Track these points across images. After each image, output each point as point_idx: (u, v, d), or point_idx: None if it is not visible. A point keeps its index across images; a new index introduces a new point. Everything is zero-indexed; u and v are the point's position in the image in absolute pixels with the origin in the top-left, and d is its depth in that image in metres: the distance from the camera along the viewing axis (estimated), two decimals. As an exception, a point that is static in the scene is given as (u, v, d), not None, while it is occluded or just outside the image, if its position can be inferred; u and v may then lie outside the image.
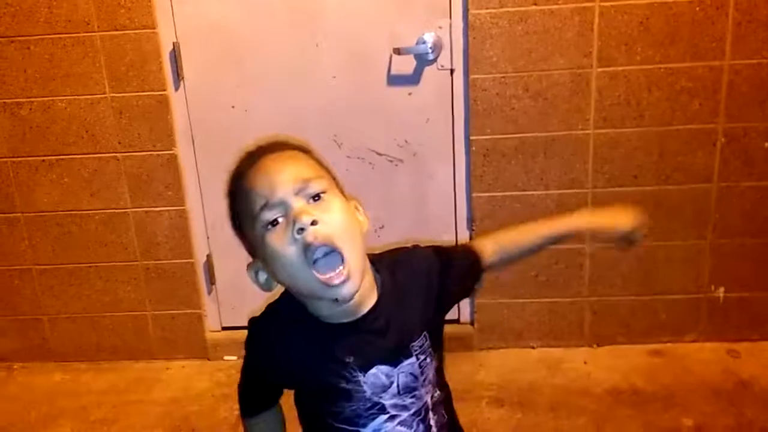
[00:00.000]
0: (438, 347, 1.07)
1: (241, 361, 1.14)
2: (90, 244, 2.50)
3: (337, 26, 2.28)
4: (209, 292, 2.59)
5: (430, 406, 1.05)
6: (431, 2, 2.25)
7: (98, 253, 2.50)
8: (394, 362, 0.99)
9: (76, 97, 2.33)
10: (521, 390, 2.28)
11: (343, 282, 0.90)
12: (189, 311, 2.56)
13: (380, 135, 2.35)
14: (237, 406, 1.20)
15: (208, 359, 2.59)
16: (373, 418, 0.99)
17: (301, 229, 0.89)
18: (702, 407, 2.13)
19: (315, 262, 0.90)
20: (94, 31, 2.26)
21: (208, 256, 2.56)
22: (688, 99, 2.23)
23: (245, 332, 1.10)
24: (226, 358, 2.58)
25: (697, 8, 2.15)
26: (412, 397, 1.01)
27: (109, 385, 2.48)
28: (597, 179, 2.33)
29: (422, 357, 1.02)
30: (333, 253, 0.90)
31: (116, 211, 2.45)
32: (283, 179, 0.93)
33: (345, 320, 0.98)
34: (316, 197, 0.93)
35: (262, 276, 0.99)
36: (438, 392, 1.07)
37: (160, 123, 2.35)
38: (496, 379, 2.34)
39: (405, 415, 1.01)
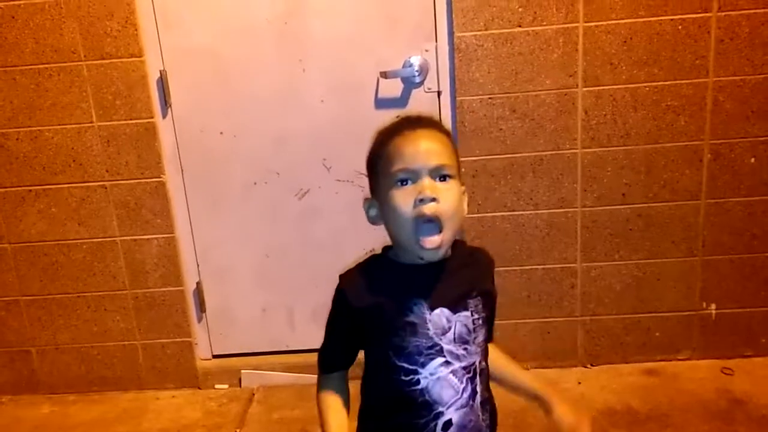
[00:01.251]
0: (486, 324, 1.19)
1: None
2: (78, 274, 2.47)
3: (324, 51, 2.30)
4: (199, 320, 2.57)
5: (479, 371, 1.16)
6: (417, 26, 2.27)
7: (86, 283, 2.48)
8: (454, 309, 1.14)
9: (63, 126, 2.33)
10: (515, 411, 2.25)
11: (434, 249, 1.09)
12: (179, 340, 2.53)
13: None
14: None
15: (199, 388, 2.56)
16: (431, 359, 1.12)
17: (422, 200, 1.07)
18: (697, 427, 2.11)
19: (420, 225, 1.09)
20: (81, 60, 2.27)
21: (198, 284, 2.54)
22: (673, 117, 2.25)
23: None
24: (217, 386, 2.55)
25: (680, 27, 2.17)
26: (464, 349, 1.14)
27: (98, 417, 2.44)
28: (586, 198, 2.33)
29: (476, 316, 1.16)
30: (436, 223, 1.09)
31: (104, 239, 2.43)
32: (427, 155, 1.10)
33: (420, 262, 1.13)
34: (443, 178, 1.11)
35: (373, 211, 1.17)
36: (484, 364, 1.19)
37: (148, 150, 2.34)
38: (491, 401, 2.31)
39: (457, 365, 1.13)
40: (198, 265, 2.52)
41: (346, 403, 1.23)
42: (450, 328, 1.13)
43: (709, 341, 2.45)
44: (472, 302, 1.16)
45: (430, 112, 1.17)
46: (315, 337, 2.75)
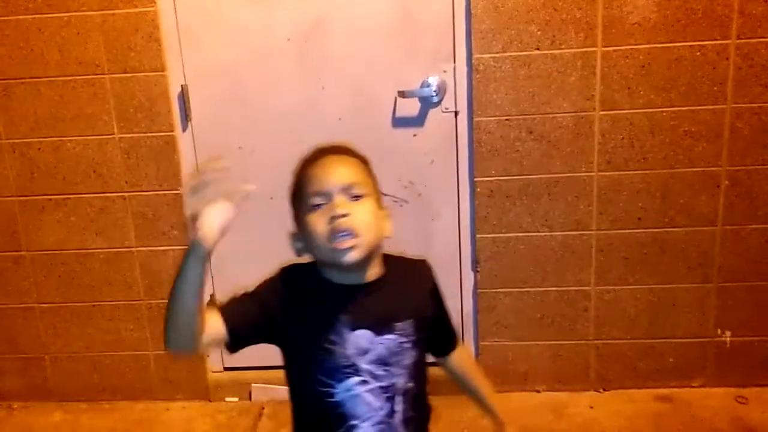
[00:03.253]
0: (419, 346, 1.22)
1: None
2: (94, 283, 2.50)
3: (343, 69, 2.32)
4: (212, 332, 2.58)
5: (400, 391, 1.19)
6: (436, 46, 2.29)
7: (102, 292, 2.50)
8: (377, 332, 1.17)
9: (84, 137, 2.36)
10: None
11: (347, 249, 1.11)
12: (191, 351, 2.54)
13: (385, 176, 2.33)
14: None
15: (210, 400, 2.57)
16: (348, 377, 1.16)
17: (334, 217, 1.12)
18: (711, 455, 2.09)
19: (336, 238, 1.12)
20: (104, 74, 2.31)
21: (212, 296, 2.55)
22: (691, 142, 2.25)
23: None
24: (227, 399, 2.56)
25: (698, 53, 2.18)
26: (384, 371, 1.17)
27: (109, 426, 2.45)
28: (601, 221, 2.33)
29: (403, 339, 1.19)
30: (350, 234, 1.12)
31: (121, 250, 2.46)
32: (335, 177, 1.16)
33: (348, 283, 1.18)
34: (356, 197, 1.15)
35: (298, 244, 1.21)
36: (411, 384, 1.21)
37: (167, 163, 2.37)
38: (501, 423, 2.30)
39: (375, 384, 1.17)
40: (212, 278, 2.54)
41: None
42: (370, 350, 1.17)
43: (724, 369, 2.42)
44: (399, 326, 1.19)
45: (345, 143, 1.24)
46: (326, 353, 2.72)
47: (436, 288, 1.31)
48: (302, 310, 1.19)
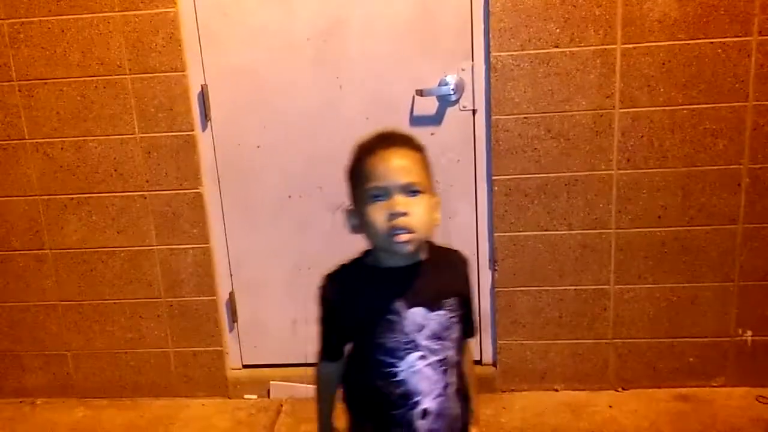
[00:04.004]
0: (461, 322, 1.31)
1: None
2: (115, 281, 2.53)
3: (361, 69, 2.33)
4: (231, 330, 2.60)
5: (452, 364, 1.28)
6: (453, 45, 2.29)
7: (123, 290, 2.53)
8: (430, 308, 1.25)
9: (106, 137, 2.39)
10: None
11: (405, 242, 1.19)
12: (210, 349, 2.56)
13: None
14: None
15: (229, 397, 2.59)
16: (409, 353, 1.23)
17: (394, 215, 1.18)
18: (732, 455, 2.07)
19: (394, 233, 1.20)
20: (126, 74, 2.33)
21: (231, 294, 2.57)
22: (711, 140, 2.23)
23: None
24: (246, 396, 2.58)
25: (719, 50, 2.16)
26: (439, 345, 1.25)
27: (129, 423, 2.48)
28: (620, 220, 2.32)
29: (451, 315, 1.27)
30: (408, 231, 1.19)
31: (142, 248, 2.49)
32: (397, 174, 1.20)
33: (399, 265, 1.26)
34: (413, 193, 1.20)
35: (354, 221, 1.27)
36: (458, 357, 1.30)
37: (187, 162, 2.40)
38: (519, 422, 2.30)
39: (433, 359, 1.25)
40: (231, 276, 2.56)
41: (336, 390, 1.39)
42: (425, 326, 1.25)
43: (744, 368, 2.40)
44: (447, 302, 1.27)
45: (405, 132, 1.29)
46: (345, 351, 2.70)
47: (468, 276, 1.39)
48: (360, 298, 1.26)
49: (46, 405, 2.64)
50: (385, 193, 1.20)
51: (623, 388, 2.46)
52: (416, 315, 1.24)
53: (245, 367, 2.63)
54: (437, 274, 1.29)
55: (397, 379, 1.24)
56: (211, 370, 2.58)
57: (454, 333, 1.29)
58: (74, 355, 2.62)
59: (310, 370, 2.55)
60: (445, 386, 1.27)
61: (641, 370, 2.44)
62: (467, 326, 1.38)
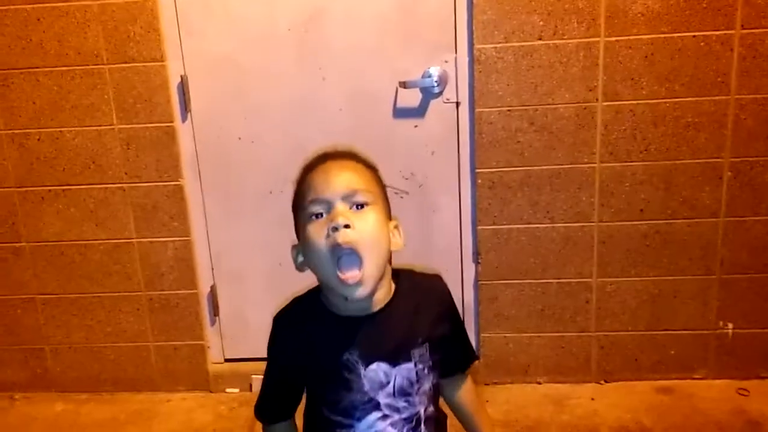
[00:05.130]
0: (436, 369, 1.15)
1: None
2: (94, 274, 2.49)
3: (344, 60, 2.30)
4: (212, 324, 2.58)
5: (423, 419, 1.12)
6: (437, 37, 2.27)
7: (102, 283, 2.50)
8: (394, 363, 1.09)
9: (84, 128, 2.35)
10: (527, 427, 2.25)
11: (357, 284, 1.02)
12: (192, 342, 2.54)
13: (386, 167, 2.32)
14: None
15: (210, 391, 2.57)
16: (367, 414, 1.08)
17: (335, 228, 1.01)
18: (712, 447, 2.09)
19: (339, 259, 1.02)
20: (104, 64, 2.29)
21: (212, 287, 2.55)
22: (694, 133, 2.23)
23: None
24: (228, 390, 2.56)
25: (702, 43, 2.16)
26: (405, 402, 1.10)
27: (109, 417, 2.45)
28: (603, 213, 2.32)
29: (420, 366, 1.11)
30: (355, 254, 1.02)
31: (121, 241, 2.45)
32: (336, 183, 1.05)
33: (357, 314, 1.09)
34: (360, 206, 1.05)
35: (300, 258, 1.12)
36: (432, 408, 1.15)
37: (167, 154, 2.36)
38: (502, 415, 2.30)
39: (397, 417, 1.10)
40: (213, 269, 2.53)
41: None
42: (389, 383, 1.09)
43: (726, 361, 2.42)
44: (416, 352, 1.10)
45: (349, 147, 1.18)
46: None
47: (452, 307, 1.22)
48: (311, 352, 1.11)
49: (25, 399, 2.60)
50: (325, 208, 1.05)
51: (605, 381, 2.47)
52: (377, 372, 1.08)
53: (227, 361, 2.61)
54: (404, 319, 1.11)
55: None
56: (192, 364, 2.56)
57: (426, 384, 1.13)
58: (53, 349, 2.59)
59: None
60: None
61: (623, 363, 2.45)
62: (458, 360, 1.25)
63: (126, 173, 2.39)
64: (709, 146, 2.24)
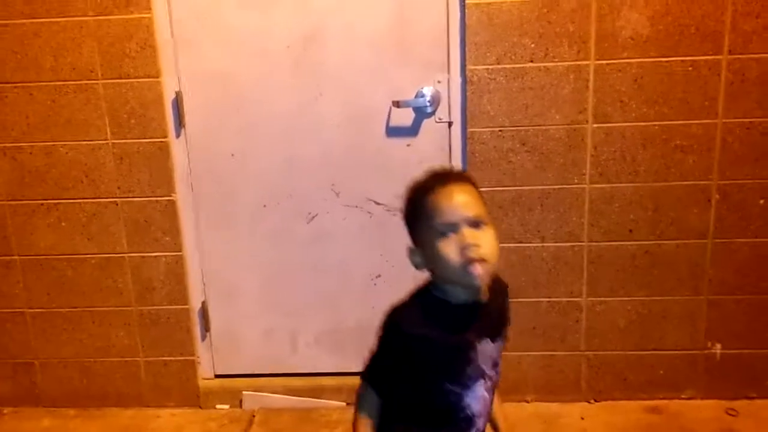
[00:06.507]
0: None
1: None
2: (85, 289, 2.49)
3: (338, 78, 2.33)
4: (203, 339, 2.57)
5: (497, 383, 1.38)
6: (430, 57, 2.29)
7: (93, 298, 2.49)
8: (494, 339, 1.33)
9: (77, 142, 2.36)
10: None
11: (480, 274, 1.21)
12: (182, 358, 2.53)
13: (378, 185, 2.37)
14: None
15: (200, 407, 2.56)
16: (476, 382, 1.31)
17: (466, 248, 1.21)
18: (700, 467, 2.10)
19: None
20: (98, 79, 2.30)
21: (204, 303, 2.55)
22: (682, 156, 2.26)
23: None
24: (218, 406, 2.55)
25: (690, 68, 2.19)
26: (494, 371, 1.34)
27: (97, 433, 2.44)
28: (593, 233, 2.34)
29: (502, 343, 1.37)
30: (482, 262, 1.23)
31: (113, 255, 2.45)
32: (463, 208, 1.25)
33: (468, 303, 1.29)
34: (479, 225, 1.24)
35: (417, 259, 1.30)
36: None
37: (160, 169, 2.37)
38: (491, 433, 2.30)
39: (490, 384, 1.34)
40: (204, 285, 2.53)
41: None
42: (491, 356, 1.33)
43: (714, 381, 2.43)
44: (503, 331, 1.37)
45: (457, 168, 1.28)
46: (317, 361, 2.75)
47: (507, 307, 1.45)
48: (438, 332, 1.27)
49: (13, 414, 2.58)
50: (453, 228, 1.23)
51: (595, 400, 2.48)
52: (486, 347, 1.31)
53: (217, 377, 2.60)
54: (496, 305, 1.35)
55: (463, 403, 1.30)
56: (182, 380, 2.55)
57: (500, 358, 1.38)
58: (42, 364, 2.57)
59: (283, 381, 2.56)
60: (491, 404, 1.38)
61: (612, 382, 2.46)
62: None
63: (119, 188, 2.39)
64: (697, 168, 2.27)
